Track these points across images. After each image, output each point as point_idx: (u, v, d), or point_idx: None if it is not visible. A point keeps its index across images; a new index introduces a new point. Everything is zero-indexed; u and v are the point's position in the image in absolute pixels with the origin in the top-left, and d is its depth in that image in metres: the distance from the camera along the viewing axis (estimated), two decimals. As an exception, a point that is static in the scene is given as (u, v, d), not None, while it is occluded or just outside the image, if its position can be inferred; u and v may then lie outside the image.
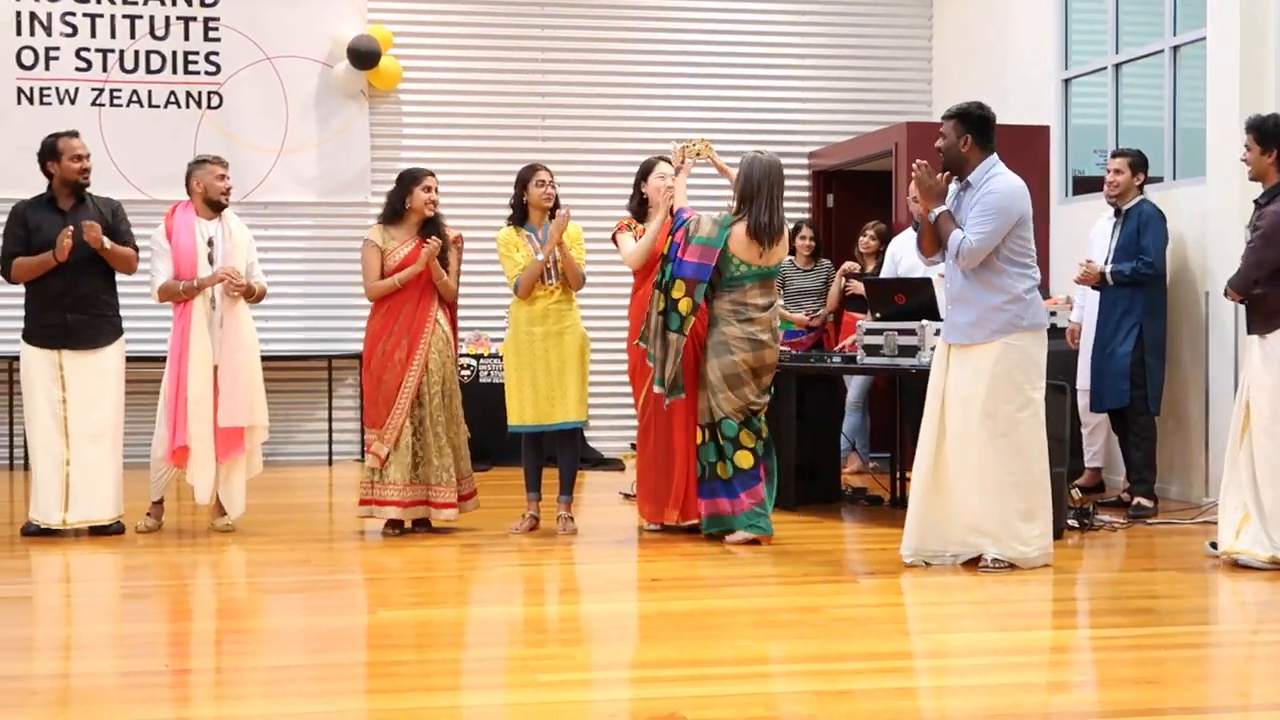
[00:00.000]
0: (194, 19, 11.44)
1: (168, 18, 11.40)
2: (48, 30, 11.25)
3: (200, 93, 11.44)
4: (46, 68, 11.25)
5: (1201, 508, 8.39)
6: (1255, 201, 6.97)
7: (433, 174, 7.86)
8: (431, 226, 7.73)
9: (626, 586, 6.73)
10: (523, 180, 7.79)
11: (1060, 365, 8.37)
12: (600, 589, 6.67)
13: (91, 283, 7.72)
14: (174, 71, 11.42)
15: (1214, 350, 8.64)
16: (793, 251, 10.68)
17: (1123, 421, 8.67)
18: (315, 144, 11.62)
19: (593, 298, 9.66)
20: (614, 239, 8.03)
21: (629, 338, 7.87)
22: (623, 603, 6.35)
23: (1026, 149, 10.47)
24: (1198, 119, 9.04)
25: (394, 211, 7.78)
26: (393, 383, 7.61)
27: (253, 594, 6.66)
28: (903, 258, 9.22)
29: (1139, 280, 8.44)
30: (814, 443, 8.95)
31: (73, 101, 11.24)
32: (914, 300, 8.22)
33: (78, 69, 11.28)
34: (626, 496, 8.87)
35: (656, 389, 7.57)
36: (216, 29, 11.46)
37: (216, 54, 11.46)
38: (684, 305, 7.50)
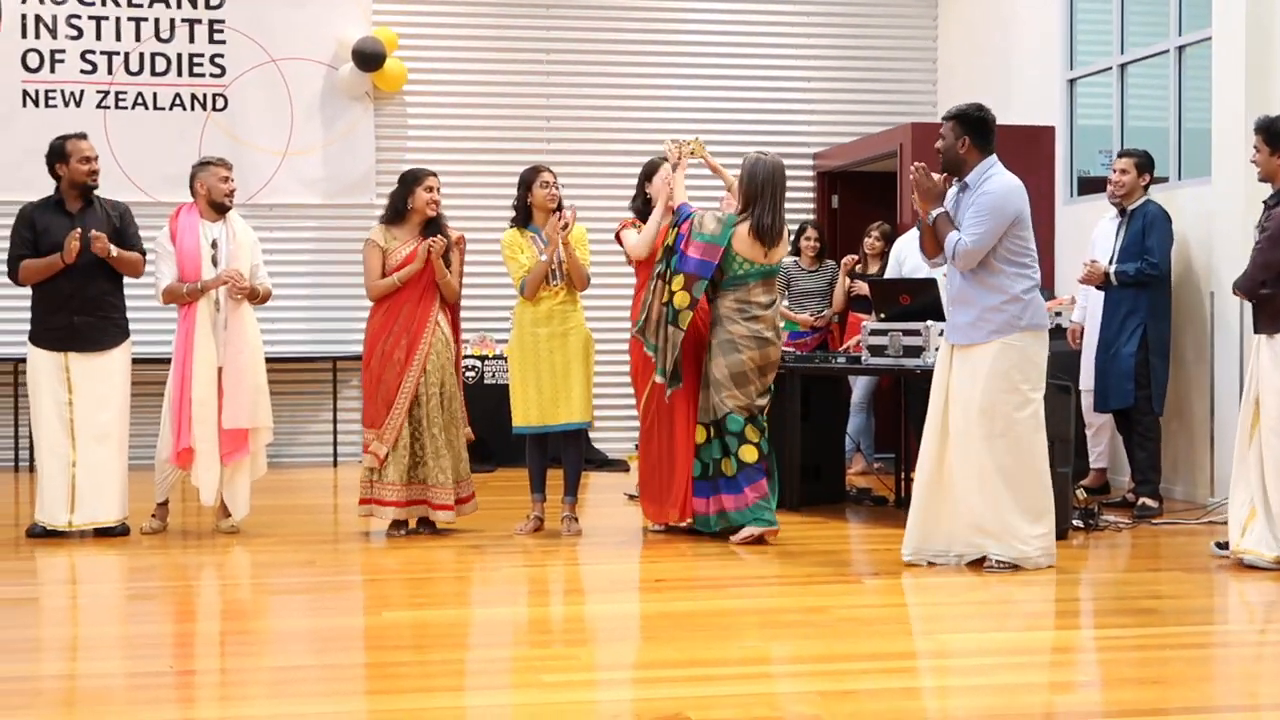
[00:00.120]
0: (199, 21, 11.45)
1: (173, 20, 11.42)
2: (53, 33, 11.27)
3: (205, 95, 11.46)
4: (52, 70, 11.27)
5: (1207, 508, 8.38)
6: (1264, 203, 6.96)
7: (435, 174, 7.86)
8: (434, 227, 7.74)
9: (631, 587, 6.73)
10: (526, 181, 7.80)
11: (1062, 365, 8.37)
12: (604, 590, 6.67)
13: (99, 285, 7.73)
14: (179, 74, 11.43)
15: (1219, 350, 8.64)
16: (797, 252, 10.69)
17: (1127, 422, 8.66)
18: (320, 146, 11.63)
19: (597, 299, 9.66)
20: (618, 238, 8.04)
21: (631, 340, 7.88)
22: (627, 603, 6.35)
23: (1031, 149, 10.47)
24: (1203, 119, 9.03)
25: (396, 212, 7.79)
26: (392, 383, 7.62)
27: (257, 595, 6.66)
28: (907, 258, 9.22)
29: (1143, 281, 8.43)
30: (819, 443, 8.95)
31: (78, 104, 11.25)
32: (918, 301, 8.22)
33: (83, 71, 11.30)
34: (631, 497, 8.87)
35: (658, 379, 7.59)
36: (221, 31, 11.47)
37: (221, 56, 11.48)
38: (680, 300, 7.52)
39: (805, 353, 9.85)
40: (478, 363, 11.16)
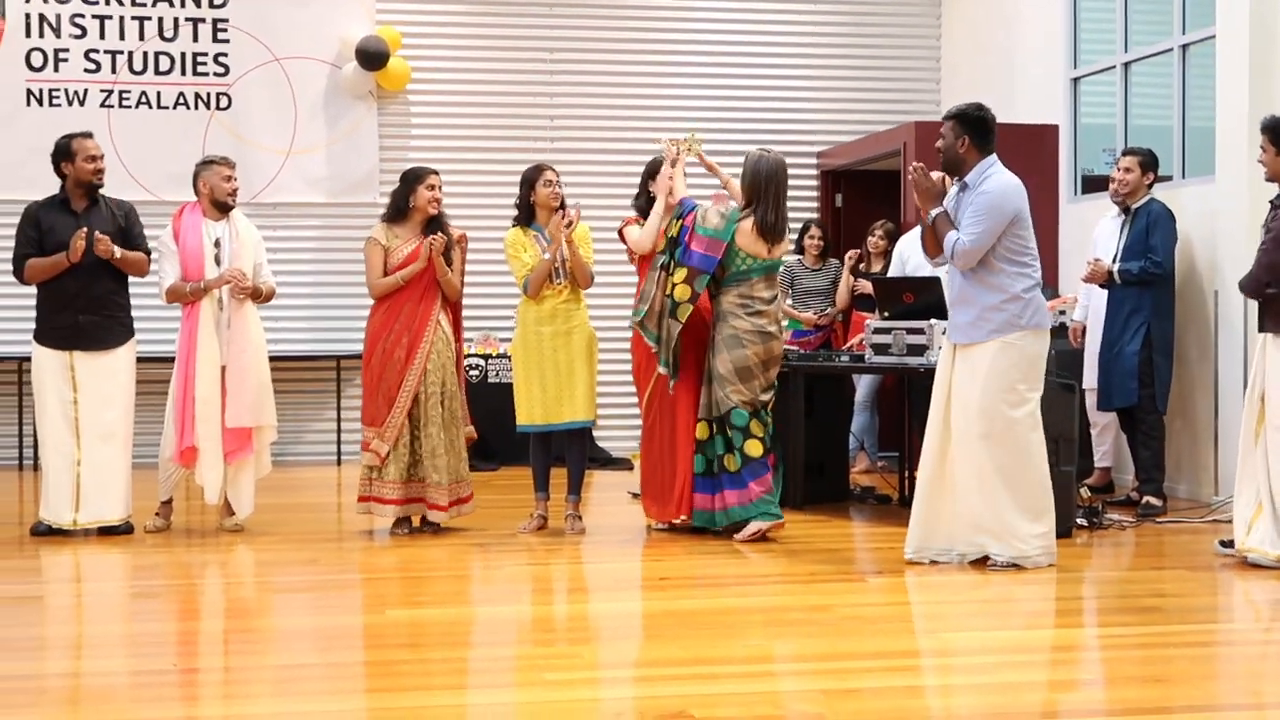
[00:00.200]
0: (203, 20, 11.45)
1: (176, 19, 11.42)
2: (57, 32, 11.27)
3: (209, 94, 11.46)
4: (56, 69, 11.27)
5: (1211, 506, 8.38)
6: (1270, 203, 6.95)
7: (436, 172, 7.86)
8: (435, 225, 7.74)
9: (634, 585, 6.74)
10: (529, 180, 7.80)
11: (1065, 364, 8.37)
12: (608, 588, 6.68)
13: (104, 284, 7.73)
14: (183, 73, 11.44)
15: (1223, 349, 8.63)
16: (801, 251, 10.70)
17: (1131, 420, 8.66)
18: (324, 145, 11.63)
19: (600, 297, 9.65)
20: (621, 235, 8.05)
21: (633, 338, 7.89)
22: (630, 602, 6.36)
23: (1035, 148, 10.46)
24: (1207, 118, 9.03)
25: (398, 210, 7.79)
26: (393, 381, 7.62)
27: (261, 593, 6.67)
28: (910, 256, 9.22)
29: (1147, 279, 8.43)
30: (822, 442, 8.94)
31: (82, 103, 11.26)
32: (922, 299, 8.22)
33: (87, 70, 11.31)
34: (634, 496, 8.87)
35: (662, 370, 7.61)
36: (225, 30, 11.48)
37: (225, 55, 11.48)
38: (681, 293, 7.53)
39: (809, 351, 9.85)
40: (481, 361, 11.16)
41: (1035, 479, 6.63)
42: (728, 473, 7.52)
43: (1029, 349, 6.63)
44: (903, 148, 10.78)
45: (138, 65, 11.37)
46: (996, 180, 6.65)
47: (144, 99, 11.38)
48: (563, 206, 7.75)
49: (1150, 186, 8.66)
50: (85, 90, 11.30)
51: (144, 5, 11.39)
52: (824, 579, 6.61)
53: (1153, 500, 8.36)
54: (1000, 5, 11.51)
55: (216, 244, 7.83)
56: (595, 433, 10.45)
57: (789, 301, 10.53)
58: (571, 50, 12.05)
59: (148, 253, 7.90)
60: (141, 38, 11.38)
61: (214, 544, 7.63)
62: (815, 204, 12.24)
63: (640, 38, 12.15)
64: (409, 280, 7.65)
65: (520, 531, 7.78)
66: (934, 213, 6.75)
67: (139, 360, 8.00)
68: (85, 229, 7.57)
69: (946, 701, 4.73)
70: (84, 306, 7.69)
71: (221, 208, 7.88)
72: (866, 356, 8.46)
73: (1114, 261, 8.55)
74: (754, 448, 7.50)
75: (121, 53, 11.35)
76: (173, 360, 7.89)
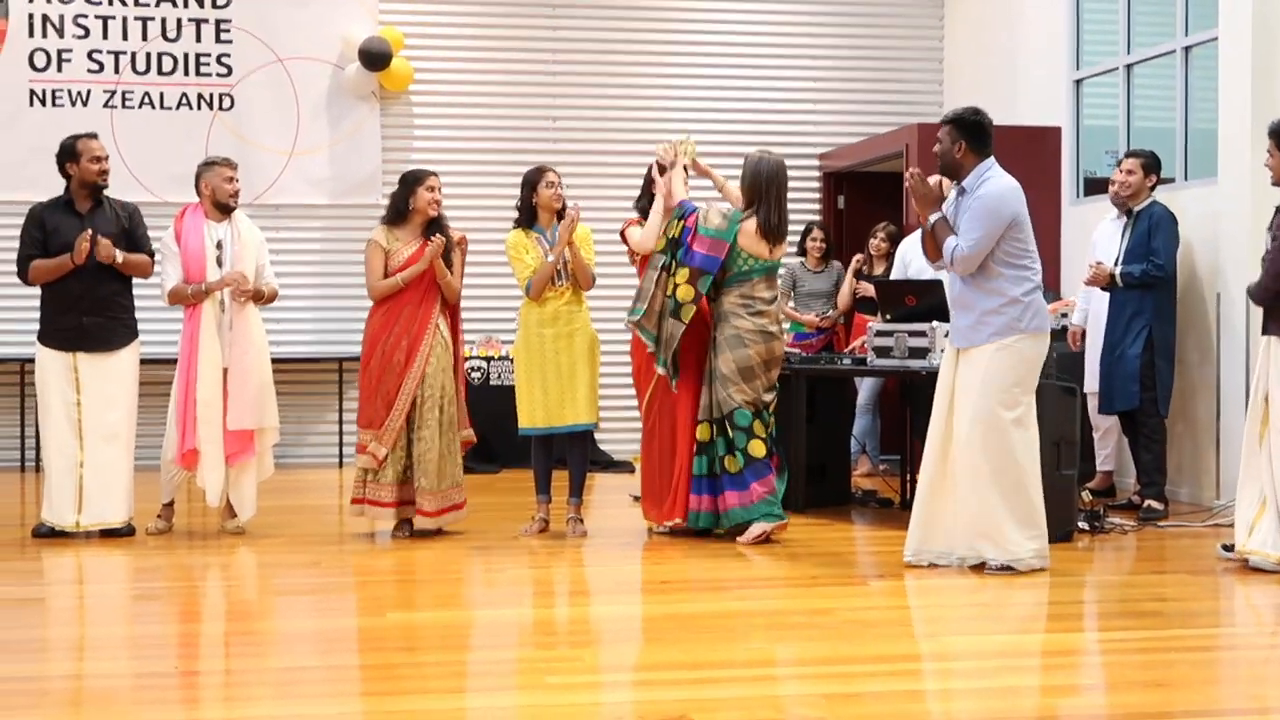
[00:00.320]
0: (205, 21, 11.46)
1: (179, 20, 11.43)
2: (60, 32, 11.28)
3: (212, 94, 11.47)
4: (59, 69, 11.28)
5: (1213, 510, 8.37)
6: (1277, 207, 6.93)
7: (436, 174, 7.86)
8: (435, 227, 7.73)
9: (636, 589, 6.74)
10: (531, 182, 7.80)
11: (1064, 367, 8.37)
12: (610, 591, 6.68)
13: (108, 285, 7.73)
14: (185, 73, 11.44)
15: (1225, 352, 8.62)
16: (803, 253, 10.70)
17: (1132, 424, 8.65)
18: (326, 145, 11.64)
19: (602, 299, 9.66)
20: (623, 236, 8.05)
21: (632, 340, 7.89)
22: (632, 605, 6.36)
23: (1038, 150, 10.46)
24: (1209, 119, 9.02)
25: (398, 212, 7.79)
26: (392, 385, 7.61)
27: (263, 596, 6.67)
28: (913, 259, 9.21)
29: (1149, 282, 8.42)
30: (824, 444, 8.94)
31: (85, 103, 11.27)
32: (924, 302, 8.22)
33: (90, 71, 11.31)
34: (636, 499, 8.87)
35: (660, 369, 7.62)
36: (228, 31, 11.48)
37: (228, 56, 11.49)
38: (684, 293, 7.55)
39: (811, 354, 9.84)
40: (483, 363, 11.16)
41: (1026, 483, 6.60)
42: (729, 474, 7.53)
43: (1028, 352, 6.63)
44: (905, 149, 10.78)
45: (140, 66, 11.38)
46: (993, 184, 6.64)
47: (147, 99, 11.39)
48: (563, 208, 7.75)
49: (1153, 189, 8.66)
50: (88, 90, 11.30)
51: (147, 6, 11.39)
52: (825, 582, 6.61)
53: (1154, 504, 8.35)
54: (1003, 7, 11.50)
55: (218, 246, 7.83)
56: (597, 435, 10.44)
57: (791, 304, 10.53)
58: (574, 52, 12.05)
59: (151, 254, 7.90)
60: (144, 38, 11.39)
61: (215, 546, 7.63)
62: (817, 206, 12.23)
63: (643, 39, 12.16)
64: (409, 282, 7.65)
65: (522, 534, 7.78)
66: (933, 218, 6.75)
67: (143, 362, 8.00)
68: (89, 231, 7.58)
69: (948, 706, 4.73)
70: (88, 308, 7.68)
71: (223, 209, 7.88)
72: (868, 359, 8.45)
73: (1116, 264, 8.54)
74: (757, 448, 7.51)
75: (124, 53, 11.36)
76: (176, 362, 7.89)
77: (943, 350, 7.79)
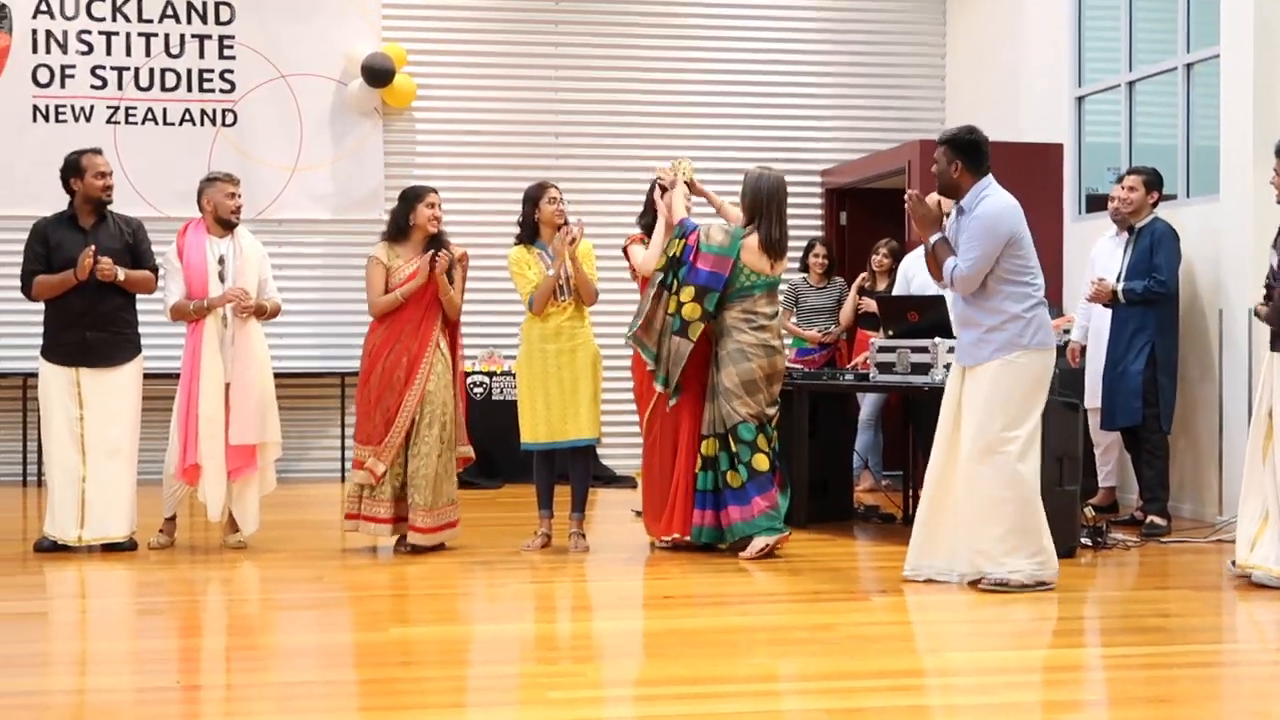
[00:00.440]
0: (209, 37, 11.49)
1: (183, 35, 11.45)
2: (63, 48, 11.31)
3: (215, 110, 11.49)
4: (62, 85, 11.30)
5: (1215, 526, 8.36)
6: None
7: (436, 191, 7.86)
8: (435, 243, 7.74)
9: (638, 604, 6.73)
10: (533, 198, 7.81)
11: (1066, 383, 8.36)
12: (612, 606, 6.67)
13: (111, 301, 7.74)
14: (189, 89, 11.47)
15: (1227, 368, 8.62)
16: (806, 269, 10.71)
17: (1135, 440, 8.65)
18: (329, 161, 11.66)
19: (605, 315, 9.67)
20: (625, 252, 8.07)
21: (634, 356, 7.90)
22: (634, 620, 6.35)
23: (1039, 167, 10.47)
24: (1211, 136, 9.03)
25: (398, 228, 7.79)
26: (392, 402, 7.61)
27: (265, 610, 6.66)
28: (915, 275, 9.21)
29: (1151, 298, 8.42)
30: (826, 460, 8.94)
31: (88, 119, 11.29)
32: (927, 318, 8.22)
33: (93, 87, 11.33)
34: (638, 514, 8.86)
35: (660, 387, 7.62)
36: (231, 47, 11.51)
37: (231, 72, 11.51)
38: (690, 311, 7.57)
39: (813, 369, 9.85)
40: (485, 378, 11.16)
41: (1026, 501, 6.56)
42: (731, 489, 7.53)
43: (1032, 368, 6.62)
44: (907, 166, 10.79)
45: (144, 81, 11.40)
46: (990, 203, 6.64)
47: (150, 115, 11.41)
48: (565, 224, 7.77)
49: (1155, 206, 8.67)
50: (91, 106, 11.32)
51: (150, 22, 11.42)
52: (827, 598, 6.60)
53: (1157, 520, 8.35)
54: (1005, 23, 11.52)
55: (220, 261, 7.84)
56: (599, 450, 10.45)
57: (793, 319, 10.54)
58: (576, 68, 12.07)
59: (155, 269, 7.91)
60: (148, 54, 11.42)
61: (217, 561, 7.62)
62: (820, 222, 12.24)
63: (645, 56, 12.18)
64: (409, 298, 7.64)
65: (524, 549, 7.77)
66: (933, 239, 6.78)
67: (145, 376, 8.01)
68: (94, 247, 7.58)
69: (950, 721, 4.72)
70: (91, 323, 7.69)
71: (225, 225, 7.89)
72: (871, 375, 8.45)
73: (1118, 281, 8.55)
74: (761, 461, 7.52)
75: (128, 69, 11.39)
76: (179, 377, 7.90)
77: (945, 366, 7.81)
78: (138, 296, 7.91)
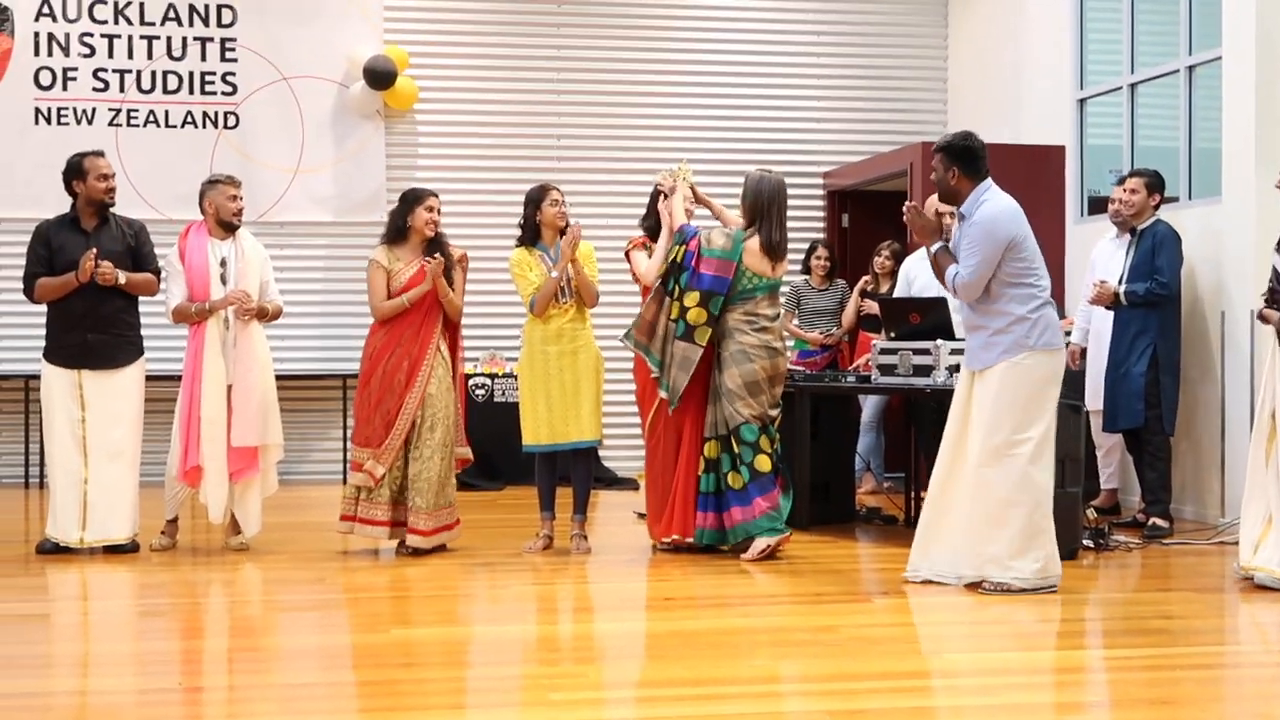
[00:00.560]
0: (211, 40, 11.49)
1: (185, 38, 11.46)
2: (65, 51, 11.31)
3: (217, 113, 11.50)
4: (64, 88, 11.31)
5: (1217, 528, 8.36)
6: None
7: (435, 194, 7.85)
8: (435, 246, 7.74)
9: (640, 605, 6.73)
10: (535, 200, 7.82)
11: (1067, 384, 8.36)
12: (614, 608, 6.67)
13: (113, 303, 7.74)
14: (191, 92, 11.47)
15: (1229, 370, 8.62)
16: (808, 271, 10.71)
17: (1137, 442, 8.65)
18: (331, 164, 11.66)
19: (606, 317, 9.67)
20: (627, 256, 8.08)
21: (635, 361, 7.90)
22: (636, 622, 6.34)
23: (1041, 169, 10.47)
24: (1213, 139, 9.03)
25: (396, 230, 7.79)
26: (393, 405, 7.60)
27: (267, 612, 6.66)
28: (917, 277, 9.21)
29: (1153, 300, 8.42)
30: (828, 462, 8.94)
31: (90, 122, 11.29)
32: (928, 320, 8.22)
33: (95, 89, 11.34)
34: (640, 516, 8.87)
35: (663, 393, 7.63)
36: (233, 50, 11.51)
37: (233, 74, 11.52)
38: (695, 315, 7.58)
39: (815, 371, 9.85)
40: (487, 381, 11.16)
41: (1036, 503, 6.56)
42: (733, 490, 7.54)
43: (1039, 369, 6.60)
44: (909, 168, 10.79)
45: (146, 84, 11.41)
46: (988, 208, 6.64)
47: (152, 118, 11.42)
48: (568, 226, 7.77)
49: (1156, 208, 8.67)
50: (93, 109, 11.33)
51: (152, 24, 11.43)
52: (830, 599, 6.60)
53: (1159, 522, 8.34)
54: (1007, 26, 11.53)
55: (222, 263, 7.84)
56: (601, 452, 10.46)
57: (795, 321, 10.54)
58: (578, 71, 12.07)
59: (157, 272, 7.91)
60: (150, 57, 11.42)
61: (219, 562, 7.63)
62: (822, 225, 12.24)
63: (647, 58, 12.18)
64: (414, 302, 7.64)
65: (526, 551, 7.77)
66: (934, 248, 6.79)
67: (147, 378, 8.01)
68: (96, 250, 7.59)
69: (952, 723, 4.72)
70: (93, 325, 7.70)
71: (227, 227, 7.89)
72: (873, 377, 8.45)
73: (1119, 283, 8.55)
74: (763, 463, 7.53)
75: (130, 72, 11.39)
76: (180, 379, 7.90)
77: (947, 368, 7.82)
78: (140, 299, 7.91)
